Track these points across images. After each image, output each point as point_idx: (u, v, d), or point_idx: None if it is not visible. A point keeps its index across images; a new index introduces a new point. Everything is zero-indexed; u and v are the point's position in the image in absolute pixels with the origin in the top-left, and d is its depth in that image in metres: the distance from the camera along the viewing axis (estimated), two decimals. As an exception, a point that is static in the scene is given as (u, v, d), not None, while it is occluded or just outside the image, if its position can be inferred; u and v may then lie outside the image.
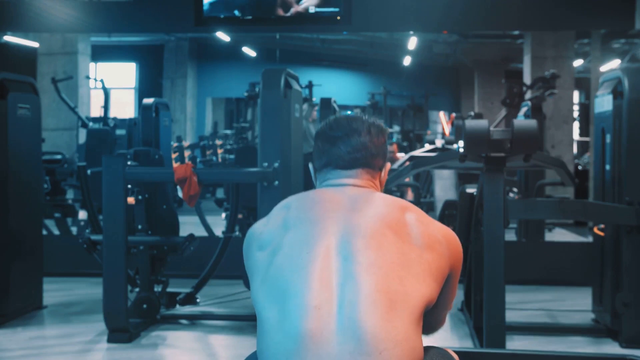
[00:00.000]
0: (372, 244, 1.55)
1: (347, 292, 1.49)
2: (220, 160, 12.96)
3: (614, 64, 15.11)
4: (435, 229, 1.68)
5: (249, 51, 17.33)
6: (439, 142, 14.82)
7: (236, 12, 5.28)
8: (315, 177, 1.88)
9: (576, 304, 5.29)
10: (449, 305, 1.79)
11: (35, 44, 11.39)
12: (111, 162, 4.33)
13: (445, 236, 1.70)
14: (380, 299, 1.47)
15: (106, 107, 10.71)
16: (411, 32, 12.42)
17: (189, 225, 6.82)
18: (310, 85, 12.25)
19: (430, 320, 1.72)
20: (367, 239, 1.56)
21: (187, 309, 5.03)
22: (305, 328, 1.46)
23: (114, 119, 10.24)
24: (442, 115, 19.65)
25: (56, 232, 7.39)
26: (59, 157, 7.65)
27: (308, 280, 1.50)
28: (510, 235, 7.59)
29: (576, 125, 15.24)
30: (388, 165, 1.88)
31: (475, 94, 18.39)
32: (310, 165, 1.90)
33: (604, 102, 4.62)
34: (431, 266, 1.59)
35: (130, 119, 9.31)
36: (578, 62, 15.43)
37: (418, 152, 9.58)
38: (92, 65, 12.53)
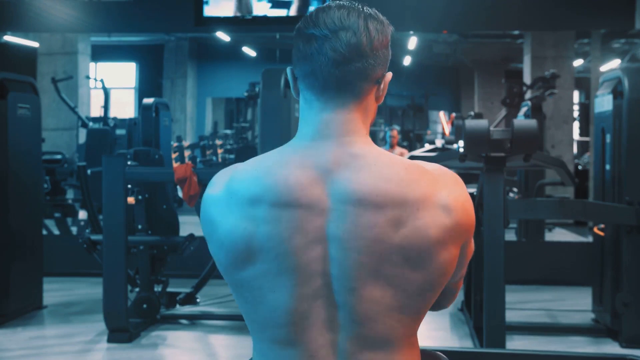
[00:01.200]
0: (365, 289, 1.32)
1: (343, 343, 1.35)
2: (220, 160, 12.97)
3: (614, 63, 15.11)
4: (440, 224, 1.34)
5: (249, 51, 17.34)
6: (439, 142, 14.84)
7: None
8: (296, 88, 1.41)
9: (576, 304, 5.29)
10: (460, 283, 1.52)
11: (35, 44, 11.39)
12: (111, 162, 4.33)
13: (454, 223, 1.35)
14: (379, 347, 1.36)
15: (106, 107, 10.72)
16: (411, 32, 12.42)
17: (189, 225, 6.82)
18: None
19: (440, 300, 1.50)
20: (360, 282, 1.32)
21: (187, 309, 5.03)
22: None
23: (114, 118, 10.25)
24: (442, 115, 19.67)
25: (56, 232, 7.39)
26: (59, 157, 7.66)
27: (301, 326, 1.34)
28: (510, 235, 7.59)
29: (576, 125, 15.24)
30: (388, 75, 1.40)
31: (475, 94, 18.40)
32: (289, 71, 1.41)
33: (604, 102, 4.62)
34: (433, 278, 1.36)
35: (130, 119, 9.31)
36: (578, 62, 15.44)
37: (418, 152, 9.59)
38: (92, 65, 12.54)
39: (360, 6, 1.38)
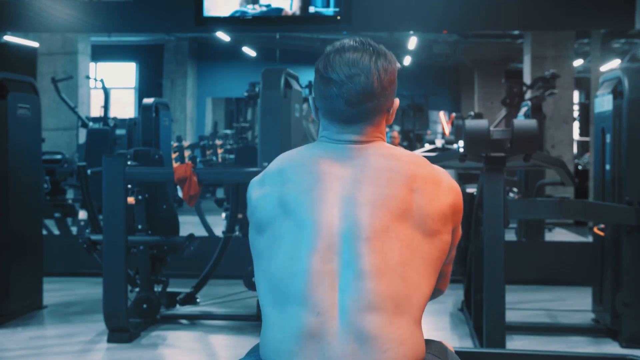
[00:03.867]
0: (374, 246, 1.47)
1: (349, 299, 1.45)
2: (220, 160, 12.96)
3: (614, 63, 15.11)
4: (442, 202, 1.57)
5: (249, 51, 17.34)
6: (439, 142, 14.84)
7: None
8: (317, 115, 1.68)
9: (576, 303, 5.29)
10: (450, 266, 1.71)
11: (35, 44, 11.39)
12: (111, 162, 4.33)
13: (453, 204, 1.59)
14: (383, 305, 1.45)
15: (106, 107, 10.72)
16: (411, 32, 12.42)
17: (189, 225, 6.82)
18: (310, 85, 12.25)
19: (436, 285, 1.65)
20: (369, 241, 1.48)
21: (187, 309, 5.03)
22: (307, 332, 1.45)
23: (114, 118, 10.24)
24: (442, 115, 19.67)
25: (56, 232, 7.39)
26: (59, 157, 7.65)
27: (310, 286, 1.47)
28: (510, 235, 7.59)
29: (576, 125, 15.24)
30: (396, 102, 1.66)
31: (475, 94, 18.40)
32: (311, 101, 1.69)
33: (604, 102, 4.62)
34: (434, 254, 1.53)
35: (130, 119, 9.31)
36: (578, 62, 15.44)
37: (418, 152, 9.58)
38: (92, 65, 12.54)
39: (370, 47, 1.61)
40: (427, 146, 13.02)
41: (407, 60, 17.30)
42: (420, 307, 1.51)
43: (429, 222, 1.54)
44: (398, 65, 1.63)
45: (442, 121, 19.22)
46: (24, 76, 5.23)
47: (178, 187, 4.60)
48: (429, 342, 1.65)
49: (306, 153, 1.62)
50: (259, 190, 1.62)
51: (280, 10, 5.28)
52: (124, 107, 17.44)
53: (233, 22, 5.40)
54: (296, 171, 1.58)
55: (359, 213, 1.50)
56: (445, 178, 1.61)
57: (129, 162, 4.53)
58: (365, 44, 1.60)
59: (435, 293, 1.68)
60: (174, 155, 11.19)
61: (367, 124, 1.61)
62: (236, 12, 5.33)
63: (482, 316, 4.01)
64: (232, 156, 12.69)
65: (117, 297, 4.32)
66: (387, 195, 1.52)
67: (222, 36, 13.43)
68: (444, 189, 1.58)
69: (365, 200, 1.51)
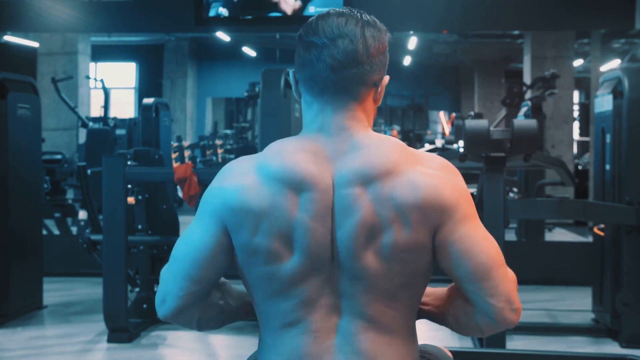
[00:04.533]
0: (367, 263, 1.39)
1: (345, 325, 1.41)
2: (220, 160, 12.97)
3: (614, 63, 15.12)
4: (411, 203, 1.37)
5: (249, 51, 17.35)
6: (439, 142, 14.84)
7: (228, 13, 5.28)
8: (297, 90, 1.51)
9: (576, 303, 5.29)
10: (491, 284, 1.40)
11: (35, 44, 11.39)
12: (111, 162, 4.33)
13: (422, 201, 1.37)
14: (379, 330, 1.41)
15: (106, 107, 10.72)
16: (411, 32, 12.42)
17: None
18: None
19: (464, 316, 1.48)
20: (362, 259, 1.38)
21: (187, 309, 5.03)
22: (304, 354, 1.42)
23: (114, 118, 10.25)
24: (442, 115, 19.68)
25: (56, 232, 7.39)
26: (59, 157, 7.65)
27: (307, 309, 1.42)
28: (510, 235, 7.59)
29: (576, 125, 15.24)
30: (386, 79, 1.48)
31: (475, 94, 18.41)
32: (291, 74, 1.52)
33: (604, 102, 4.62)
34: (414, 268, 1.41)
35: (130, 119, 9.31)
36: (578, 62, 15.44)
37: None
38: (92, 65, 12.55)
39: (358, 14, 1.45)
40: (427, 146, 13.02)
41: (407, 60, 17.31)
42: (413, 319, 1.48)
43: (407, 241, 1.40)
44: (389, 35, 1.48)
45: (442, 121, 19.23)
46: (24, 76, 5.23)
47: (178, 187, 4.60)
48: (424, 347, 1.64)
49: (289, 157, 1.41)
50: (240, 207, 1.44)
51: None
52: (124, 107, 17.45)
53: (233, 22, 5.40)
54: (282, 187, 1.40)
55: (345, 232, 1.39)
56: (416, 170, 1.42)
57: (129, 162, 4.54)
58: (353, 10, 1.46)
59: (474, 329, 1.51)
60: (174, 155, 11.20)
61: (352, 98, 1.44)
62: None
63: (482, 316, 4.00)
64: (232, 156, 12.70)
65: (117, 297, 4.32)
66: (368, 223, 1.38)
67: (222, 36, 13.43)
68: (406, 183, 1.40)
69: (349, 219, 1.38)
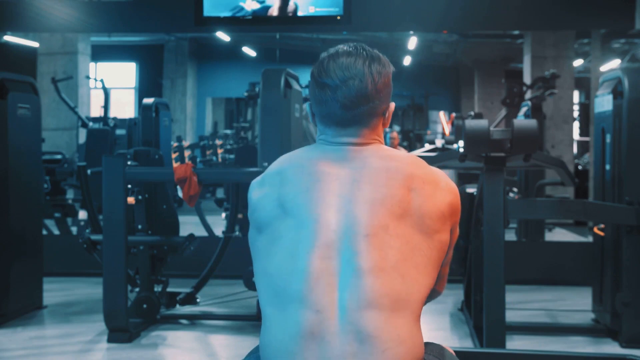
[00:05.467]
0: (373, 243, 1.48)
1: (349, 297, 1.46)
2: (220, 160, 12.96)
3: (614, 63, 15.11)
4: (440, 201, 1.58)
5: (249, 51, 17.33)
6: (439, 142, 14.83)
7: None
8: (314, 121, 1.71)
9: (576, 303, 5.29)
10: (447, 268, 1.72)
11: (35, 44, 11.39)
12: (111, 162, 4.33)
13: (450, 203, 1.60)
14: (383, 302, 1.46)
15: (106, 107, 10.72)
16: (411, 32, 12.41)
17: (189, 225, 6.82)
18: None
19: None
20: (368, 237, 1.48)
21: (187, 309, 5.03)
22: (307, 331, 1.46)
23: (114, 118, 10.24)
24: (442, 115, 19.66)
25: (56, 232, 7.39)
26: (59, 157, 7.66)
27: (309, 284, 1.47)
28: (510, 235, 7.59)
29: (576, 125, 15.24)
30: (392, 106, 1.67)
31: (475, 94, 18.40)
32: (308, 107, 1.72)
33: (604, 102, 4.62)
34: (433, 253, 1.54)
35: (130, 119, 9.31)
36: (578, 62, 15.43)
37: (418, 152, 9.58)
38: (92, 65, 12.54)
39: (364, 52, 1.62)
40: (427, 146, 13.01)
41: (407, 60, 17.30)
42: (419, 305, 1.51)
43: (428, 221, 1.55)
44: (392, 68, 1.65)
45: (442, 121, 19.21)
46: (24, 76, 5.23)
47: (178, 187, 4.60)
48: (428, 344, 1.65)
49: (305, 155, 1.64)
50: (259, 191, 1.63)
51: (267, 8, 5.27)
52: (124, 107, 17.44)
53: (233, 22, 5.40)
54: (295, 172, 1.59)
55: (357, 211, 1.51)
56: (443, 178, 1.63)
57: (129, 162, 4.53)
58: (358, 48, 1.62)
59: (433, 294, 1.69)
60: (174, 155, 11.19)
61: (363, 126, 1.63)
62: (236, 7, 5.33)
63: (482, 316, 4.01)
64: (232, 156, 12.68)
65: (117, 297, 4.32)
66: (386, 194, 1.53)
67: (222, 36, 13.43)
68: (441, 189, 1.60)
69: (364, 199, 1.52)
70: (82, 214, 7.56)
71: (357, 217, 1.51)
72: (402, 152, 1.66)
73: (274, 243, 1.55)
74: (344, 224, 1.51)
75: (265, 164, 4.51)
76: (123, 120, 9.62)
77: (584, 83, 17.33)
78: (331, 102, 1.60)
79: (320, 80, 1.61)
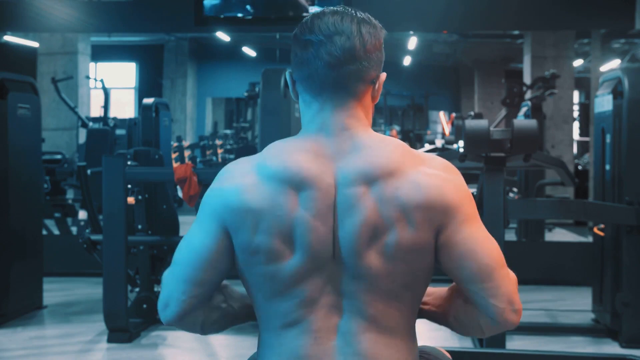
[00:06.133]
0: (369, 263, 1.38)
1: (347, 320, 1.41)
2: (220, 160, 12.97)
3: (614, 64, 15.11)
4: (415, 204, 1.37)
5: (249, 51, 17.34)
6: (439, 142, 14.84)
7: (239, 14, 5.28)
8: (295, 91, 1.50)
9: (576, 303, 5.29)
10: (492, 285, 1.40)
11: (35, 44, 11.39)
12: (111, 162, 4.33)
13: (424, 201, 1.37)
14: (379, 330, 1.41)
15: (106, 107, 10.72)
16: (411, 32, 12.41)
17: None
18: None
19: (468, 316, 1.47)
20: (363, 258, 1.38)
21: (187, 309, 5.03)
22: (304, 355, 1.41)
23: (114, 118, 10.25)
24: (442, 115, 19.67)
25: (56, 232, 7.39)
26: (59, 157, 7.66)
27: (306, 308, 1.41)
28: (510, 235, 7.59)
29: (576, 125, 15.23)
30: (383, 75, 1.48)
31: (475, 94, 18.40)
32: (288, 75, 1.51)
33: (604, 102, 4.62)
34: (416, 268, 1.41)
35: (130, 119, 9.31)
36: (578, 62, 15.43)
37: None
38: (92, 65, 12.54)
39: (353, 12, 1.45)
40: (427, 146, 13.01)
41: (407, 60, 17.30)
42: (414, 319, 1.47)
43: (409, 241, 1.40)
44: (384, 32, 1.48)
45: (442, 121, 19.22)
46: (24, 76, 5.23)
47: (178, 187, 4.60)
48: (423, 347, 1.63)
49: (289, 157, 1.41)
50: (240, 209, 1.43)
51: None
52: (124, 107, 17.45)
53: (233, 22, 5.40)
54: (284, 187, 1.40)
55: (350, 231, 1.38)
56: (419, 170, 1.43)
57: (129, 162, 4.53)
58: (347, 8, 1.46)
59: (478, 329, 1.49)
60: (174, 155, 11.19)
61: (350, 95, 1.43)
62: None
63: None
64: (232, 156, 12.70)
65: (117, 297, 4.32)
66: (371, 222, 1.37)
67: (222, 36, 13.43)
68: (410, 184, 1.41)
69: (352, 218, 1.38)
70: (82, 214, 7.56)
71: (350, 238, 1.38)
72: (390, 141, 1.44)
73: (266, 262, 1.43)
74: (338, 244, 1.39)
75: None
76: (123, 120, 9.63)
77: (584, 83, 17.33)
78: (314, 60, 1.42)
79: (303, 37, 1.44)
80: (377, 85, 1.47)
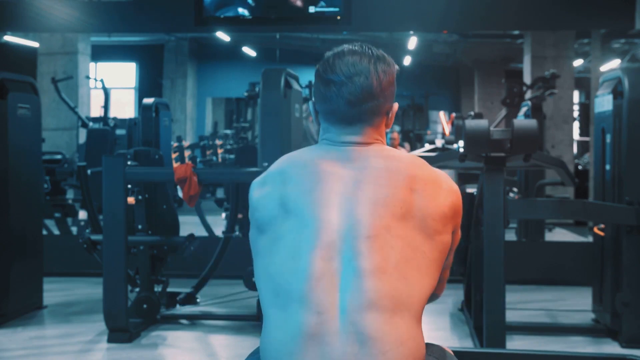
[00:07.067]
0: (375, 245, 1.47)
1: (350, 298, 1.45)
2: (220, 160, 12.96)
3: (614, 63, 15.11)
4: (442, 202, 1.57)
5: (249, 51, 17.33)
6: (439, 142, 14.82)
7: (239, 11, 5.28)
8: (317, 119, 1.70)
9: (576, 303, 5.29)
10: (447, 272, 1.71)
11: (35, 44, 11.39)
12: (111, 162, 4.33)
13: (452, 204, 1.60)
14: (384, 304, 1.45)
15: (106, 107, 10.72)
16: (411, 32, 12.41)
17: (189, 225, 6.81)
18: (310, 85, 12.24)
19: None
20: (370, 239, 1.47)
21: (187, 309, 5.03)
22: (308, 332, 1.45)
23: (114, 118, 10.24)
24: (442, 115, 19.65)
25: (56, 232, 7.39)
26: (59, 157, 7.65)
27: (310, 284, 1.46)
28: (510, 235, 7.59)
29: (576, 125, 15.24)
30: (395, 106, 1.67)
31: (475, 94, 18.40)
32: (311, 105, 1.71)
33: (604, 102, 4.62)
34: (435, 255, 1.53)
35: (130, 119, 9.31)
36: (578, 62, 15.43)
37: (418, 152, 9.58)
38: (92, 65, 12.54)
39: (369, 50, 1.63)
40: (427, 146, 13.01)
41: (407, 60, 17.29)
42: (420, 307, 1.51)
43: (430, 222, 1.54)
44: (397, 67, 1.65)
45: (442, 121, 19.21)
46: (24, 76, 5.23)
47: (178, 187, 4.60)
48: (428, 345, 1.65)
49: (307, 155, 1.63)
50: (260, 190, 1.62)
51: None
52: (124, 107, 17.44)
53: (233, 22, 5.40)
54: (297, 172, 1.58)
55: (359, 212, 1.50)
56: (445, 180, 1.63)
57: (129, 162, 4.53)
58: (364, 47, 1.63)
59: (432, 297, 1.67)
60: (174, 156, 11.19)
61: (367, 124, 1.62)
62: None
63: (482, 316, 4.01)
64: (232, 156, 12.68)
65: (117, 297, 4.32)
66: (388, 195, 1.52)
67: (222, 36, 13.43)
68: (444, 190, 1.59)
69: (366, 200, 1.51)
70: (82, 214, 7.56)
71: (359, 218, 1.50)
72: (403, 152, 1.66)
73: (275, 243, 1.54)
74: (345, 224, 1.50)
75: (265, 164, 4.52)
76: (123, 120, 9.62)
77: (584, 83, 17.32)
78: (336, 99, 1.60)
79: (326, 76, 1.61)
80: (390, 115, 1.67)
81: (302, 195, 1.54)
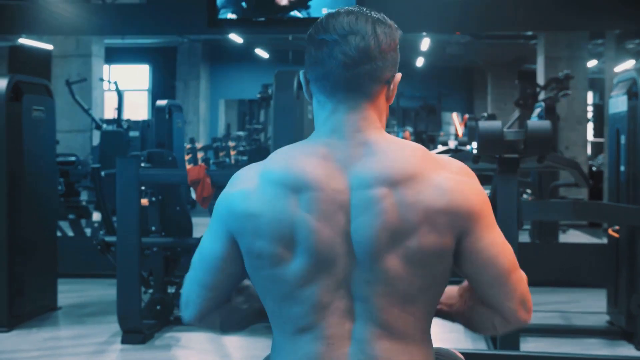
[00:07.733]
0: (383, 268, 1.37)
1: (360, 326, 1.39)
2: (233, 161, 12.99)
3: (629, 64, 15.02)
4: (428, 206, 1.36)
5: (261, 53, 17.37)
6: (452, 144, 14.80)
7: (243, 4, 5.29)
8: (309, 91, 1.48)
9: (591, 305, 5.26)
10: (503, 271, 1.40)
11: (50, 47, 11.46)
12: (125, 164, 4.35)
13: (450, 205, 1.36)
14: (394, 336, 1.39)
15: (120, 109, 10.75)
16: (424, 33, 12.39)
17: (202, 227, 6.82)
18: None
19: (485, 315, 1.47)
20: (378, 263, 1.36)
21: (201, 310, 5.04)
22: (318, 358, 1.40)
23: (128, 120, 10.29)
24: (455, 116, 19.62)
25: (70, 233, 7.43)
26: (73, 158, 7.69)
27: (320, 313, 1.39)
28: (524, 237, 7.56)
29: (590, 126, 15.16)
30: (398, 76, 1.45)
31: (488, 95, 18.36)
32: (302, 75, 1.48)
33: (618, 103, 4.60)
34: (436, 272, 1.40)
35: (143, 121, 9.35)
36: (592, 63, 15.36)
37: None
38: (105, 67, 12.61)
39: (368, 12, 1.43)
40: (440, 147, 12.98)
41: (420, 62, 17.28)
42: (428, 324, 1.45)
43: (427, 243, 1.39)
44: (399, 32, 1.45)
45: (455, 122, 19.17)
46: (39, 78, 5.27)
47: (191, 188, 4.61)
48: (438, 350, 1.62)
49: (301, 164, 1.39)
50: (248, 212, 1.43)
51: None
52: (138, 109, 17.52)
53: (246, 24, 5.41)
54: (295, 195, 1.39)
55: (364, 236, 1.37)
56: (441, 175, 1.42)
57: (142, 164, 4.55)
58: (362, 8, 1.43)
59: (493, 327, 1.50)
60: (187, 157, 11.23)
61: (365, 96, 1.41)
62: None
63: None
64: (245, 158, 12.72)
65: (131, 298, 4.34)
66: (388, 222, 1.36)
67: (235, 38, 13.46)
68: (433, 188, 1.39)
69: (370, 220, 1.36)
70: (96, 216, 7.59)
71: (367, 241, 1.37)
72: (406, 144, 1.43)
73: (276, 266, 1.41)
74: (352, 249, 1.38)
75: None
76: (136, 122, 9.67)
77: (598, 84, 17.24)
78: (328, 60, 1.39)
79: (318, 37, 1.41)
80: (391, 86, 1.45)
81: (305, 222, 1.39)
